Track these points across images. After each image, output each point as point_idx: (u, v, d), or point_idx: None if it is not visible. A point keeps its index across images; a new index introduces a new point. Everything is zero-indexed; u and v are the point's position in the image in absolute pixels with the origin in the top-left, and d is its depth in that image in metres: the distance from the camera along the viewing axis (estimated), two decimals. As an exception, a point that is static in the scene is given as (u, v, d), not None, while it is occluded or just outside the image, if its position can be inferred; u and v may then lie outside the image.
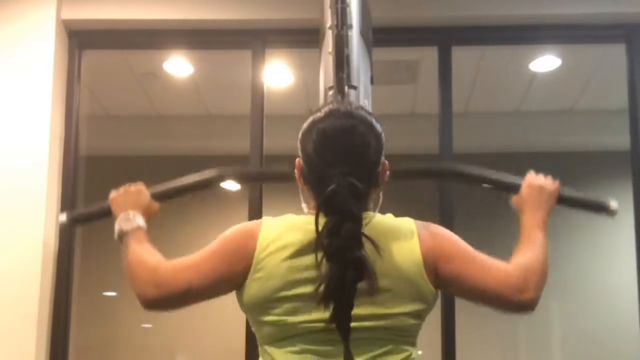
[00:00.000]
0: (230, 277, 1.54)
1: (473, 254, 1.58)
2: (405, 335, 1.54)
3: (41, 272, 3.35)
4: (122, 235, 1.77)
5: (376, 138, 1.56)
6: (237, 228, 1.59)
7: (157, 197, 1.97)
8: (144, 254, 1.67)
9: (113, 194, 1.95)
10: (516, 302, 1.56)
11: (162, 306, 1.62)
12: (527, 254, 1.66)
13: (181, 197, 2.09)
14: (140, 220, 1.80)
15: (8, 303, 3.32)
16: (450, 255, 1.55)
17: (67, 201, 3.57)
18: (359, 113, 1.57)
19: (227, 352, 3.64)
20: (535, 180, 1.89)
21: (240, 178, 2.31)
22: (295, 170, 1.61)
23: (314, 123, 1.56)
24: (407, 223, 1.58)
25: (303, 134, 1.58)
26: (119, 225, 1.79)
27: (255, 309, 1.54)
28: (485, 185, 2.07)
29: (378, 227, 1.52)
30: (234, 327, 3.22)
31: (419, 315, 1.55)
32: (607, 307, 5.22)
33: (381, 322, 1.49)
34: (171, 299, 1.59)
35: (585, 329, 5.39)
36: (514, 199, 1.89)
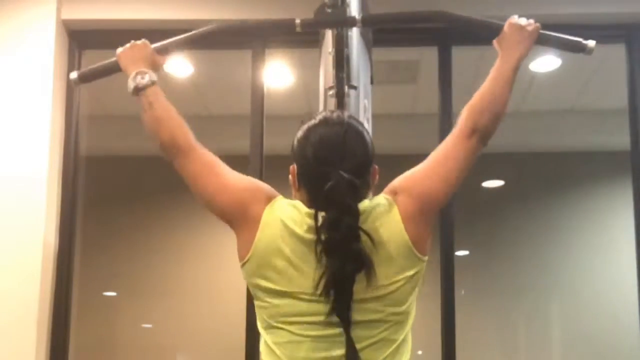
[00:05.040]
0: (225, 209, 1.67)
1: (425, 167, 1.72)
2: (400, 313, 1.58)
3: (41, 272, 3.35)
4: (141, 89, 1.83)
5: (366, 144, 1.66)
6: (261, 187, 1.70)
7: (161, 50, 2.00)
8: (172, 109, 1.79)
9: (119, 50, 2.00)
10: (471, 144, 1.72)
11: (171, 156, 1.75)
12: (482, 90, 1.76)
13: (184, 49, 2.15)
14: (154, 76, 1.86)
15: (8, 303, 3.32)
16: (417, 192, 1.64)
17: (67, 201, 3.57)
18: (351, 121, 1.67)
19: (227, 351, 3.64)
20: (516, 20, 1.92)
21: (238, 30, 2.30)
22: (290, 177, 1.68)
23: (309, 130, 1.65)
24: (381, 198, 1.65)
25: (299, 141, 1.66)
26: (135, 81, 1.84)
27: (254, 278, 1.60)
28: (468, 28, 2.17)
29: (364, 215, 1.57)
30: (234, 327, 3.22)
31: (412, 278, 1.60)
32: (607, 307, 5.22)
33: (378, 292, 1.54)
34: (182, 162, 1.74)
35: (585, 330, 5.39)
36: (496, 39, 1.91)
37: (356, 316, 1.52)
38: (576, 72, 4.59)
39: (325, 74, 2.12)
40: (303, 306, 1.54)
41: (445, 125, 3.60)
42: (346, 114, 1.72)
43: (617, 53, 3.77)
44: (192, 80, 4.73)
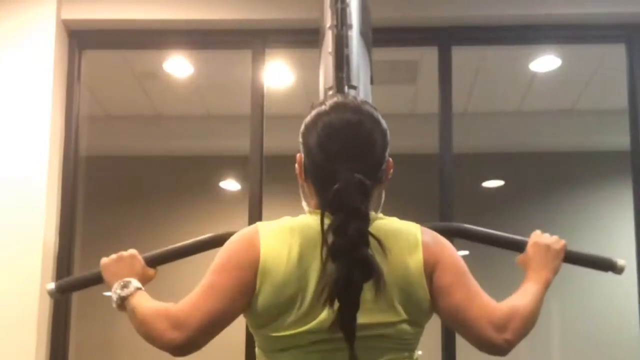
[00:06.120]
0: (243, 290, 1.47)
1: (470, 278, 1.54)
2: (406, 343, 1.51)
3: (41, 272, 3.35)
4: (123, 301, 1.68)
5: (382, 134, 1.51)
6: (235, 240, 1.52)
7: (151, 262, 1.92)
8: (152, 306, 1.58)
9: (104, 261, 1.84)
10: (491, 339, 1.52)
11: (191, 346, 1.50)
12: (519, 300, 1.61)
13: (176, 260, 2.03)
14: (137, 283, 1.70)
15: (8, 303, 3.32)
16: (449, 267, 1.51)
17: (67, 201, 3.57)
18: (366, 108, 1.52)
19: (227, 352, 3.64)
20: (540, 239, 1.83)
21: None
22: (296, 166, 1.55)
23: (318, 116, 1.50)
24: (412, 229, 1.53)
25: (306, 127, 1.51)
26: (117, 293, 1.69)
27: (262, 321, 1.49)
28: (491, 244, 2.03)
29: (382, 229, 1.46)
30: (234, 328, 3.21)
31: (418, 324, 1.52)
32: (607, 307, 5.21)
33: (381, 331, 1.46)
34: (197, 335, 1.49)
35: (585, 330, 5.39)
36: (520, 258, 1.84)
37: (357, 342, 1.40)
38: (576, 72, 4.59)
39: (325, 74, 2.12)
40: (312, 322, 1.45)
41: (445, 125, 3.60)
42: (360, 99, 1.57)
43: (617, 53, 3.77)
44: (192, 80, 4.73)
